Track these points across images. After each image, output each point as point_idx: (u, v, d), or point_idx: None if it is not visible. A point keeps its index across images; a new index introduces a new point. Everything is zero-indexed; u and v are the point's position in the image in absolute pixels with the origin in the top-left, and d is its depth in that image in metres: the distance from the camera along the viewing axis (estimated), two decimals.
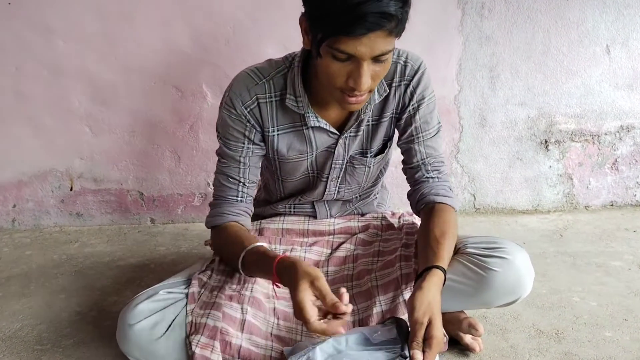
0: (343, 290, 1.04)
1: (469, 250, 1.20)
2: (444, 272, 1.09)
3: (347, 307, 1.00)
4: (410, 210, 1.38)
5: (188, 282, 1.22)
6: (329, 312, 1.02)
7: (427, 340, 1.00)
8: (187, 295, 1.18)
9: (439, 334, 1.00)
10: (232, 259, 1.24)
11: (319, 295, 1.02)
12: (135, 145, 2.03)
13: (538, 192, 2.19)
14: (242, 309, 1.19)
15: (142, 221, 2.11)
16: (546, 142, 2.14)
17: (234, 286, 1.27)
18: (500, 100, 2.09)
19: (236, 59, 1.93)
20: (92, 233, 2.04)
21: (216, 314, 1.15)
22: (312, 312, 0.99)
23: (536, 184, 2.18)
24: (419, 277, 1.09)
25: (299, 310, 1.00)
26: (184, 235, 2.00)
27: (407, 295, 1.21)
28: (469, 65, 2.04)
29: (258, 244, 1.20)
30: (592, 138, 2.15)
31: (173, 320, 1.14)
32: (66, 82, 1.95)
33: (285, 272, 1.07)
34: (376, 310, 1.22)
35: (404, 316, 1.19)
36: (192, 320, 1.14)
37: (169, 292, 1.18)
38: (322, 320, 1.01)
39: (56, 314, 1.44)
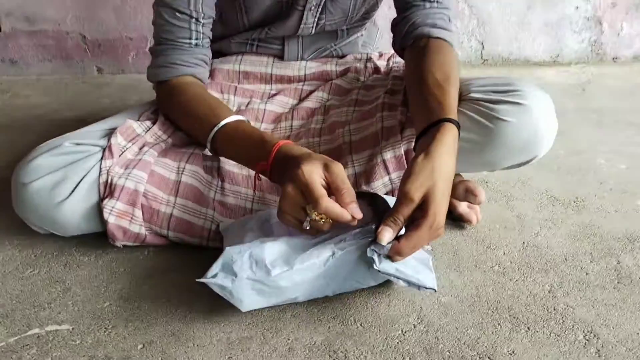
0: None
1: (473, 95, 0.90)
2: (458, 127, 0.79)
3: (359, 211, 0.74)
4: None
5: (109, 134, 0.93)
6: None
7: (417, 220, 0.71)
8: (104, 149, 0.90)
9: (439, 217, 0.71)
10: (193, 130, 0.96)
11: (334, 184, 0.73)
12: None
13: (559, 39, 1.84)
14: (178, 168, 0.92)
15: (87, 70, 1.80)
16: None
17: (176, 143, 0.99)
18: None
19: None
20: (29, 84, 1.73)
21: (139, 175, 0.88)
22: (322, 189, 0.72)
23: (558, 29, 1.83)
24: (421, 135, 0.79)
25: (304, 185, 0.72)
26: (135, 87, 1.70)
27: (387, 154, 0.92)
28: None
29: (238, 117, 0.90)
30: None
31: (81, 179, 0.87)
32: None
33: (289, 160, 0.77)
34: (347, 172, 0.93)
35: (383, 179, 0.92)
36: (106, 181, 0.87)
37: (78, 144, 0.90)
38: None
39: None
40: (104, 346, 0.72)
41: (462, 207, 0.98)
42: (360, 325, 0.75)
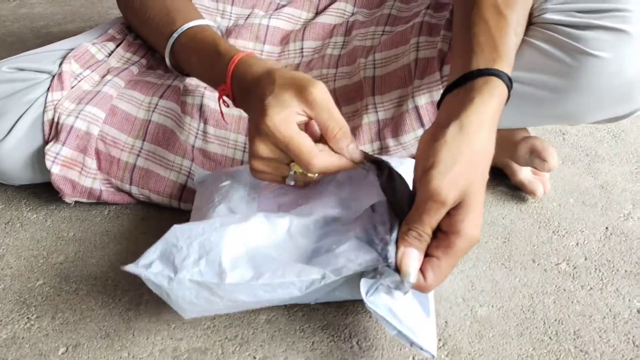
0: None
1: (549, 17, 0.60)
2: (509, 84, 0.49)
3: (358, 152, 0.53)
4: None
5: (65, 57, 0.73)
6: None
7: (446, 238, 0.46)
8: (53, 76, 0.70)
9: (477, 230, 0.45)
10: (154, 45, 0.74)
11: (319, 121, 0.51)
12: None
13: None
14: (149, 103, 0.71)
15: None
16: None
17: (148, 70, 0.78)
18: None
19: None
20: None
21: (93, 112, 0.68)
22: (307, 141, 0.51)
23: None
24: (453, 87, 0.50)
25: (283, 144, 0.50)
26: None
27: (421, 99, 0.67)
28: None
29: (199, 22, 0.67)
30: None
31: (20, 116, 0.68)
32: None
33: (250, 81, 0.55)
34: (368, 119, 0.70)
35: (415, 132, 0.68)
36: (52, 119, 0.68)
37: (20, 70, 0.71)
38: (322, 150, 0.52)
39: None
40: (19, 345, 0.55)
41: (525, 173, 0.72)
42: (357, 344, 0.54)
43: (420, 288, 0.46)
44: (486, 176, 0.46)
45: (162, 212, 0.71)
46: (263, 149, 0.52)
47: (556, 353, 0.52)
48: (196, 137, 0.72)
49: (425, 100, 0.66)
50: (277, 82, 0.52)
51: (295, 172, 0.54)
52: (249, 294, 0.48)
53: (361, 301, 0.56)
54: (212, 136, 0.72)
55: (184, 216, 0.70)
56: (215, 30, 0.67)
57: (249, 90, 0.55)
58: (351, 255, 0.47)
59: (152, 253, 0.50)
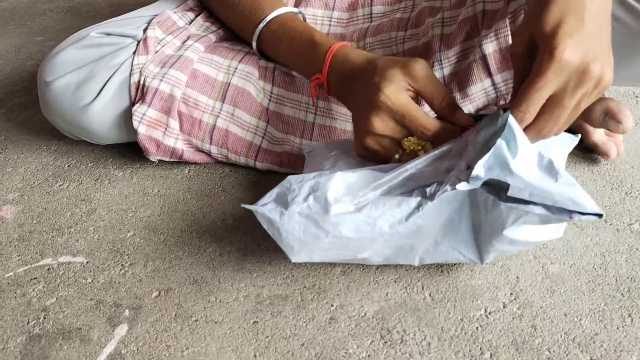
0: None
1: None
2: None
3: (467, 117, 0.56)
4: None
5: (149, 23, 0.77)
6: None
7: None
8: (139, 41, 0.74)
9: (567, 49, 0.44)
10: (238, 30, 0.77)
11: (425, 92, 0.56)
12: None
13: None
14: (228, 67, 0.74)
15: None
16: None
17: (225, 38, 0.81)
18: None
19: None
20: None
21: (176, 76, 0.72)
22: (420, 109, 0.55)
23: None
24: None
25: (400, 114, 0.55)
26: None
27: (489, 47, 0.68)
28: None
29: (287, 10, 0.70)
30: None
31: (109, 78, 0.72)
32: None
33: (350, 70, 0.60)
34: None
35: (482, 83, 0.69)
36: (138, 81, 0.72)
37: (107, 35, 0.75)
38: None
39: (20, 64, 1.09)
40: (116, 289, 0.60)
41: (598, 134, 0.71)
42: (429, 296, 0.56)
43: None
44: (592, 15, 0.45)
45: (238, 170, 0.75)
46: (379, 123, 0.56)
47: (628, 309, 0.53)
48: (270, 99, 0.74)
49: (493, 48, 0.67)
50: (379, 65, 0.57)
51: (403, 151, 0.57)
52: (351, 227, 0.51)
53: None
54: (285, 99, 0.75)
55: (259, 175, 0.74)
56: (300, 17, 0.71)
57: (350, 78, 0.60)
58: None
59: (269, 197, 0.54)
